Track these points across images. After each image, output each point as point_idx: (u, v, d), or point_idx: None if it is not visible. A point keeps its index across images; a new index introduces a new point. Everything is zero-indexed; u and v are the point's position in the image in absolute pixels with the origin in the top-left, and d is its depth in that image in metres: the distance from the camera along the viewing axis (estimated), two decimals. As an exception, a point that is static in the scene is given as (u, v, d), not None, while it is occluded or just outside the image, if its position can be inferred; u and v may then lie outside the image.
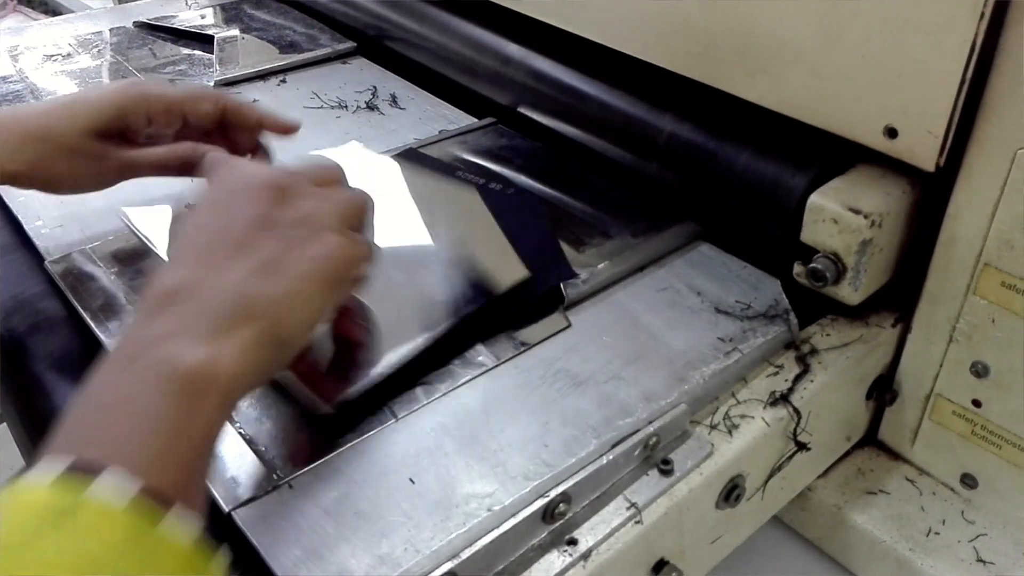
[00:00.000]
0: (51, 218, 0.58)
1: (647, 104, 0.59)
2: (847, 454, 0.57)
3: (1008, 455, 0.50)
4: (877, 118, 0.46)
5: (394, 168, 0.61)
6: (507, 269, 0.50)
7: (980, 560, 0.50)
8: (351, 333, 0.44)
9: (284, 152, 0.66)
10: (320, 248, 0.36)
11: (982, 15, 0.40)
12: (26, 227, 0.57)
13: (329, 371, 0.44)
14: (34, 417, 0.48)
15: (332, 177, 0.42)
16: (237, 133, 0.55)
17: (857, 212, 0.46)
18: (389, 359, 0.44)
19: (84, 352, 0.49)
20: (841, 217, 0.47)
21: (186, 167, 0.52)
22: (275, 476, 0.39)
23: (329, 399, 0.42)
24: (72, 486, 0.27)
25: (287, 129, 0.55)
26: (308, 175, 0.40)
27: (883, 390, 0.54)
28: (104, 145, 0.51)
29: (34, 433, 0.48)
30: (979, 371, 0.49)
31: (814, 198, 0.48)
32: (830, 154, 0.50)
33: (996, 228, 0.44)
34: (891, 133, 0.46)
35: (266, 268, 0.35)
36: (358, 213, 0.41)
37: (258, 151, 0.56)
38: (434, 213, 0.55)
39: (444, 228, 0.54)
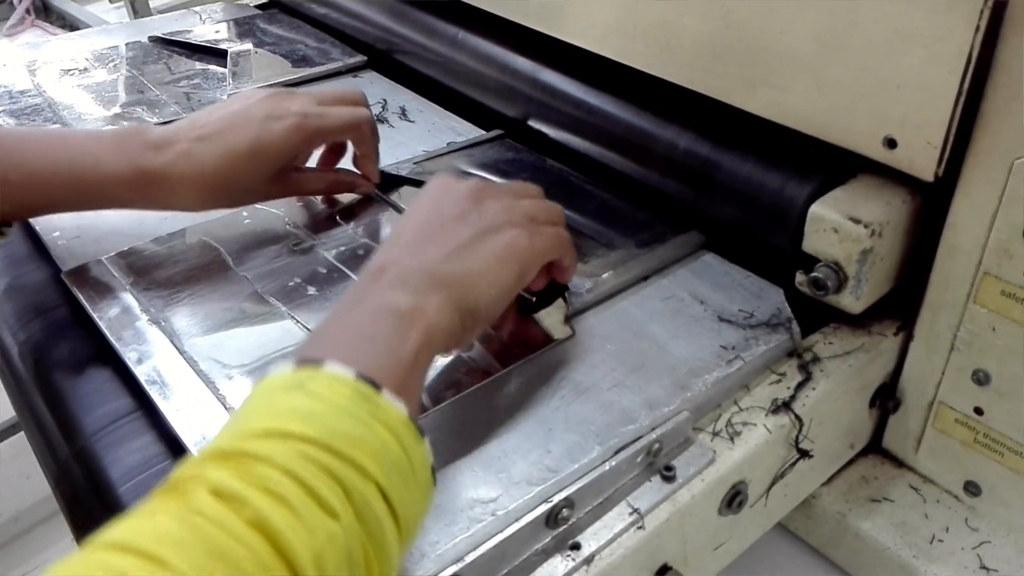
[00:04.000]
0: (68, 230, 0.60)
1: (652, 116, 0.60)
2: (851, 462, 0.57)
3: (1010, 462, 0.50)
4: (877, 129, 0.47)
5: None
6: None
7: (983, 567, 0.51)
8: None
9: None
10: (503, 237, 0.44)
11: (978, 27, 0.40)
12: (43, 238, 0.59)
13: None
14: (51, 424, 0.49)
15: (528, 191, 0.50)
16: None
17: (857, 222, 0.47)
18: None
19: (99, 360, 0.50)
20: (842, 227, 0.47)
21: (348, 188, 0.63)
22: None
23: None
24: (302, 372, 0.34)
25: (361, 183, 0.63)
26: (509, 188, 0.49)
27: (886, 398, 0.54)
28: (280, 181, 0.58)
29: (51, 440, 0.49)
30: (980, 379, 0.49)
31: (815, 208, 0.49)
32: (831, 165, 0.51)
33: (995, 237, 0.45)
34: (891, 144, 0.46)
35: (458, 251, 0.42)
36: (547, 213, 0.48)
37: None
38: None
39: None
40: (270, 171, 0.56)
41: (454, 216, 0.44)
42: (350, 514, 0.30)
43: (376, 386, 0.34)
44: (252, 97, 0.57)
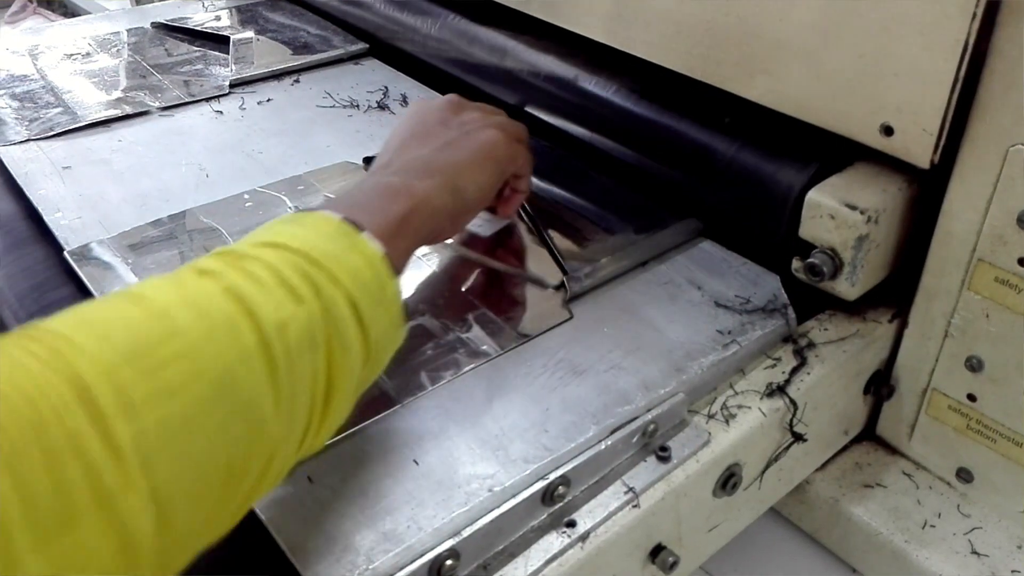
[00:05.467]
0: (70, 210, 0.60)
1: (649, 103, 0.60)
2: (845, 448, 0.57)
3: (1002, 449, 0.51)
4: (873, 116, 0.47)
5: None
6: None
7: (975, 552, 0.51)
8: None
9: (297, 149, 0.68)
10: (484, 135, 0.49)
11: (974, 15, 0.41)
12: (46, 218, 0.59)
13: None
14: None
15: (496, 110, 0.54)
16: None
17: (853, 208, 0.47)
18: None
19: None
20: (838, 213, 0.48)
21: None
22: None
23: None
24: (296, 215, 0.39)
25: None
26: (479, 104, 0.54)
27: (880, 384, 0.55)
28: None
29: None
30: (974, 366, 0.49)
31: (812, 194, 0.49)
32: (828, 152, 0.51)
33: (989, 224, 0.45)
34: (887, 131, 0.47)
35: (445, 146, 0.48)
36: (516, 128, 0.52)
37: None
38: None
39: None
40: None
41: (437, 122, 0.50)
42: (316, 305, 0.34)
43: (359, 227, 0.38)
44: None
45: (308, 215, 0.39)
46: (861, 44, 0.46)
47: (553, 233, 0.56)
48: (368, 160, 0.65)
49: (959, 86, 0.43)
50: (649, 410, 0.44)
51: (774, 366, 0.50)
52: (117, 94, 0.77)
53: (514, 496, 0.39)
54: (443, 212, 0.44)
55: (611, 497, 0.42)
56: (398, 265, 0.40)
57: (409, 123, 0.51)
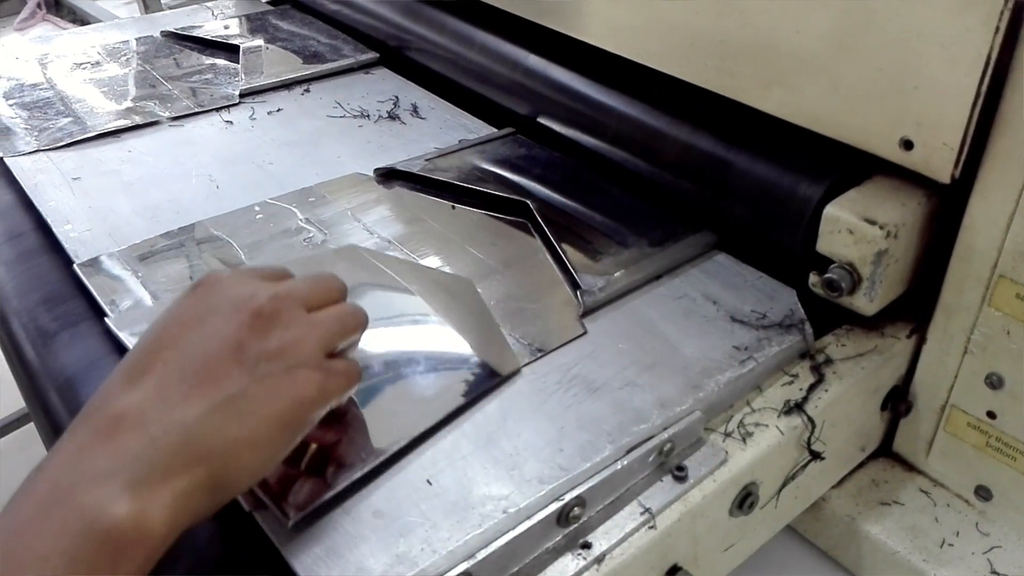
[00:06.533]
0: (80, 222, 0.60)
1: (664, 115, 0.59)
2: (861, 465, 0.57)
3: (1022, 467, 0.50)
4: (893, 130, 0.46)
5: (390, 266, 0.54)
6: (503, 360, 0.48)
7: (994, 572, 0.51)
8: (329, 440, 0.40)
9: (307, 159, 0.68)
10: (291, 388, 0.34)
11: (997, 28, 0.40)
12: (56, 231, 0.59)
13: (307, 470, 0.40)
14: (61, 417, 0.49)
15: (328, 296, 0.39)
16: None
17: (873, 223, 0.47)
18: (359, 463, 0.40)
19: (110, 352, 0.50)
20: (857, 228, 0.47)
21: None
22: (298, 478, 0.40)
23: (299, 506, 0.38)
24: None
25: None
26: (300, 296, 0.37)
27: (898, 401, 0.54)
28: None
29: (60, 433, 0.49)
30: (994, 383, 0.49)
31: (830, 209, 0.48)
32: (846, 165, 0.51)
33: (1011, 240, 0.45)
34: (907, 145, 0.46)
35: (228, 406, 0.33)
36: (347, 335, 0.39)
37: None
38: (431, 305, 0.51)
39: (440, 319, 0.50)
40: None
41: (225, 351, 0.34)
42: None
43: None
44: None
45: None
46: (880, 57, 0.45)
47: (566, 246, 0.55)
48: (380, 173, 0.65)
49: (981, 100, 0.42)
50: (665, 428, 0.43)
51: (791, 383, 0.49)
52: (127, 104, 0.77)
53: (529, 517, 0.39)
54: (184, 528, 0.32)
55: (627, 518, 0.41)
56: None
57: (179, 337, 0.35)
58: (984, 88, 0.42)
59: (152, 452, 0.31)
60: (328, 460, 0.40)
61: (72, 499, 0.29)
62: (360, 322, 0.40)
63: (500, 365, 0.47)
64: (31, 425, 1.28)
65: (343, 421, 0.41)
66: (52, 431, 0.50)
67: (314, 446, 0.40)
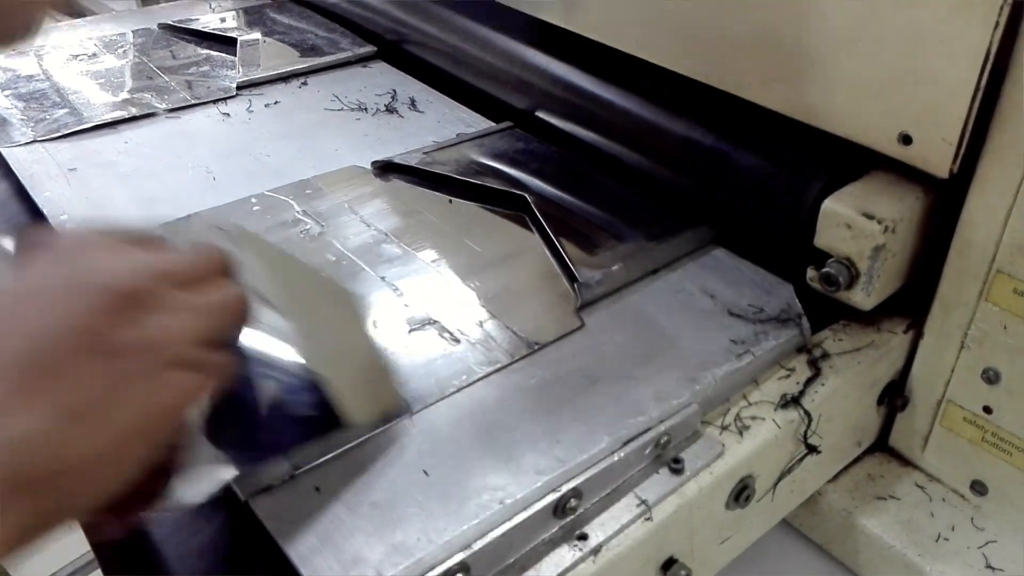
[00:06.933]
0: (76, 213, 0.59)
1: (662, 109, 0.59)
2: (857, 459, 0.57)
3: (1019, 462, 0.50)
4: (892, 125, 0.46)
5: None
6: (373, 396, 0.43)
7: (989, 566, 0.51)
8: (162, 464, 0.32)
9: (304, 152, 0.68)
10: (157, 392, 0.28)
11: (996, 24, 0.40)
12: (52, 221, 0.59)
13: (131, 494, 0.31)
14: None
15: (210, 271, 0.33)
16: None
17: (871, 217, 0.47)
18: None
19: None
20: (855, 222, 0.47)
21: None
22: (292, 466, 0.40)
23: (122, 522, 0.33)
24: None
25: None
26: (178, 271, 0.31)
27: (894, 396, 0.54)
28: None
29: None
30: (990, 377, 0.49)
31: (828, 203, 0.48)
32: (844, 160, 0.51)
33: (1009, 235, 0.45)
34: (905, 140, 0.46)
35: (79, 413, 0.26)
36: (226, 322, 0.32)
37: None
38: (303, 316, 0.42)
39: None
40: None
41: (81, 338, 0.27)
42: None
43: None
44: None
45: None
46: (880, 53, 0.45)
47: (563, 240, 0.55)
48: (378, 166, 0.65)
49: (980, 95, 0.42)
50: (662, 421, 0.43)
51: (788, 376, 0.49)
52: (123, 95, 0.76)
53: (525, 508, 0.39)
54: (16, 553, 0.25)
55: (623, 510, 0.41)
56: None
57: (18, 318, 0.27)
58: (983, 83, 0.42)
59: None
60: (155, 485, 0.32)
61: None
62: (243, 307, 0.33)
63: (356, 409, 0.39)
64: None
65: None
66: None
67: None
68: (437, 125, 0.72)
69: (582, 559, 0.39)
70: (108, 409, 0.26)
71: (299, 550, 0.36)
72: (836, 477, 0.56)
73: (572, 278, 0.52)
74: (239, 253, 0.38)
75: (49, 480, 0.25)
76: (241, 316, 0.34)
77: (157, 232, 0.34)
